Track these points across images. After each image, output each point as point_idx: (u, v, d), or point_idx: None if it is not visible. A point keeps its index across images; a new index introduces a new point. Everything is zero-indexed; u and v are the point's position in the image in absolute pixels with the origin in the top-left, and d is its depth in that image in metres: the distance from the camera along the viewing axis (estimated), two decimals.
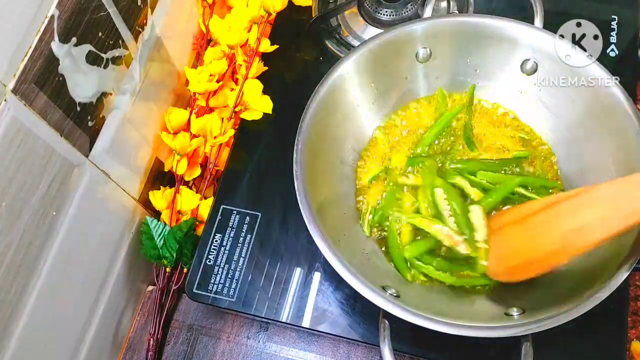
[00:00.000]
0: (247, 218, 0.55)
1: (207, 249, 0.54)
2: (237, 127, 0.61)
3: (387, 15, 0.64)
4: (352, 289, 0.41)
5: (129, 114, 0.53)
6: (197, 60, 0.65)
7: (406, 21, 0.54)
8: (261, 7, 0.63)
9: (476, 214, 0.46)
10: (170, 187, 0.59)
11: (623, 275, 0.39)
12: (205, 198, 0.60)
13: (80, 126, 0.45)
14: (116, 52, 0.49)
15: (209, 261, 0.53)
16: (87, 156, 0.47)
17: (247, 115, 0.61)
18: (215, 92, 0.62)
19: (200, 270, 0.53)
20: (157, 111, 0.59)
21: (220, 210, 0.56)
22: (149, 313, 0.59)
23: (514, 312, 0.42)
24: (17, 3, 0.37)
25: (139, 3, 0.52)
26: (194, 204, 0.59)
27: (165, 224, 0.57)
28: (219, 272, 0.53)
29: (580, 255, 0.38)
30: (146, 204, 0.59)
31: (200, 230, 0.57)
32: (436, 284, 0.47)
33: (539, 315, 0.39)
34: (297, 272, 0.53)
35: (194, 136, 0.59)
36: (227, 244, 0.54)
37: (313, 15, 0.67)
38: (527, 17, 0.52)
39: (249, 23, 0.64)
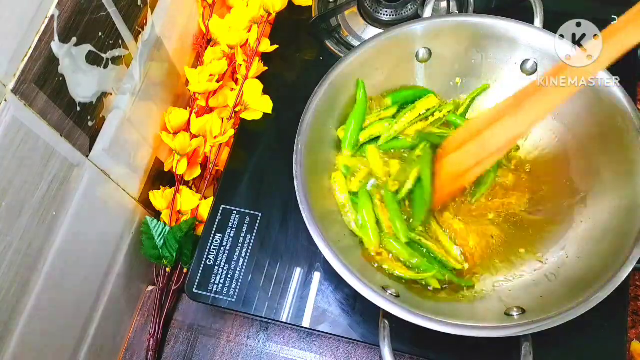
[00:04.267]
0: (247, 218, 0.55)
1: (207, 249, 0.54)
2: (237, 127, 0.61)
3: (387, 15, 0.64)
4: (352, 289, 0.41)
5: (129, 114, 0.53)
6: (197, 60, 0.65)
7: (406, 21, 0.54)
8: (261, 7, 0.63)
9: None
10: (170, 187, 0.59)
11: (623, 275, 0.39)
12: (205, 198, 0.60)
13: (80, 126, 0.45)
14: (116, 52, 0.49)
15: (209, 261, 0.53)
16: (87, 156, 0.47)
17: (247, 115, 0.61)
18: (215, 92, 0.62)
19: (200, 270, 0.53)
20: (157, 111, 0.59)
21: (220, 210, 0.56)
22: (149, 313, 0.59)
23: (514, 312, 0.42)
24: (17, 3, 0.37)
25: (139, 3, 0.52)
26: (194, 204, 0.59)
27: (165, 224, 0.57)
28: (219, 272, 0.53)
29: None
30: (146, 204, 0.59)
31: (200, 230, 0.57)
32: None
33: (539, 315, 0.39)
34: (297, 272, 0.53)
35: (194, 136, 0.59)
36: (227, 244, 0.54)
37: (313, 15, 0.67)
38: (527, 17, 0.52)
39: (249, 23, 0.64)
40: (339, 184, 0.51)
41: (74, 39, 0.42)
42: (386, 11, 0.64)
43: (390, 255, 0.48)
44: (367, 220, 0.49)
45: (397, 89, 0.56)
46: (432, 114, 0.54)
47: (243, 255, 0.54)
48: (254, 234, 0.54)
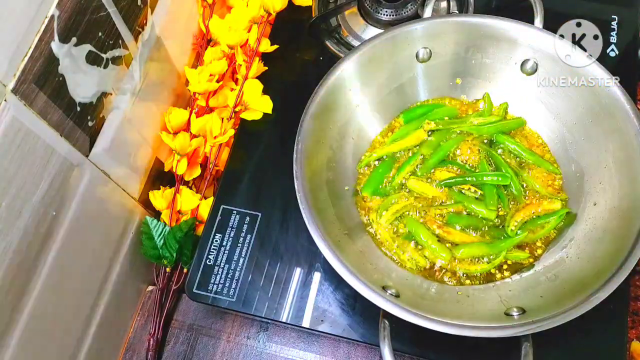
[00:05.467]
0: (247, 218, 0.55)
1: (207, 249, 0.54)
2: (237, 127, 0.61)
3: (387, 15, 0.64)
4: (352, 289, 0.41)
5: (129, 114, 0.53)
6: (197, 60, 0.65)
7: (406, 21, 0.54)
8: (261, 7, 0.63)
9: None
10: (170, 187, 0.59)
11: (623, 275, 0.39)
12: (205, 198, 0.60)
13: (80, 126, 0.45)
14: (116, 52, 0.49)
15: (209, 261, 0.53)
16: (87, 156, 0.47)
17: (247, 115, 0.61)
18: (215, 92, 0.62)
19: (200, 270, 0.53)
20: (157, 111, 0.59)
21: (220, 210, 0.56)
22: (149, 313, 0.59)
23: (514, 312, 0.42)
24: (17, 3, 0.37)
25: (139, 3, 0.52)
26: (194, 204, 0.59)
27: (165, 224, 0.57)
28: (219, 272, 0.53)
29: None
30: (146, 204, 0.59)
31: (200, 230, 0.57)
32: (435, 283, 0.48)
33: (539, 315, 0.39)
34: (297, 272, 0.53)
35: (194, 136, 0.59)
36: (227, 244, 0.54)
37: (313, 15, 0.67)
38: (527, 17, 0.52)
39: (249, 23, 0.64)
40: (383, 234, 0.51)
41: (74, 39, 0.42)
42: (386, 11, 0.64)
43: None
44: (429, 242, 0.49)
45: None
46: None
47: (243, 255, 0.54)
48: (254, 234, 0.54)
